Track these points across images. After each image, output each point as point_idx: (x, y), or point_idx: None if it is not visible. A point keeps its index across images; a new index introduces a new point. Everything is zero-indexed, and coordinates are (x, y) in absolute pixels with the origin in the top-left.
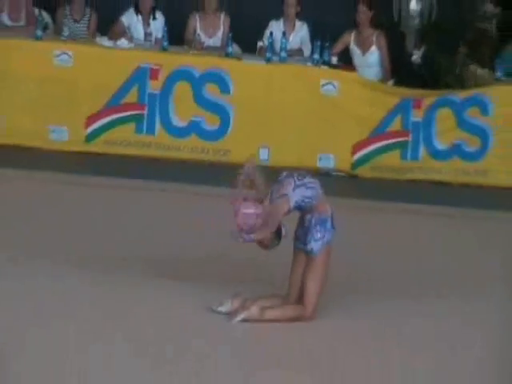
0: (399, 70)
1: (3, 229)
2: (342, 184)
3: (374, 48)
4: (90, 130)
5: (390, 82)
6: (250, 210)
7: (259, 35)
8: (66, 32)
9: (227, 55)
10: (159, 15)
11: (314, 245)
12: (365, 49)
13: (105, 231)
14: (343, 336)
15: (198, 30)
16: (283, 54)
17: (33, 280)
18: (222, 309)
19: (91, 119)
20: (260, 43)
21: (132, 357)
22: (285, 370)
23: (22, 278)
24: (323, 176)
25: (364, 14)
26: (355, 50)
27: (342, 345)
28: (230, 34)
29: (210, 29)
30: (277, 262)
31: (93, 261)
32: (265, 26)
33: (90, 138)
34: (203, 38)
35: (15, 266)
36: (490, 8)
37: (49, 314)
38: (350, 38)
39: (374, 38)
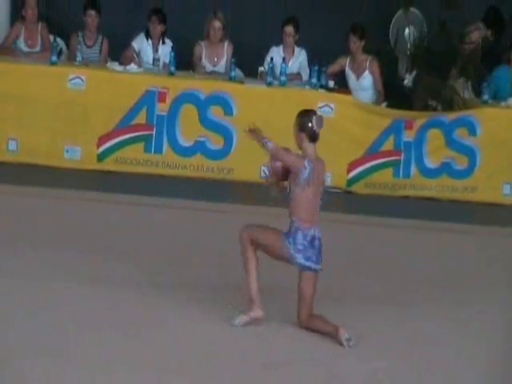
0: (392, 93)
1: (19, 243)
2: (338, 200)
3: (367, 73)
4: (101, 149)
5: (384, 105)
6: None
7: (260, 61)
8: (79, 57)
9: (230, 79)
10: (168, 41)
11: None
12: (358, 73)
13: (114, 244)
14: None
15: (203, 58)
16: (283, 78)
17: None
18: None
19: (103, 139)
20: (261, 68)
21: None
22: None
23: (32, 289)
24: None
25: (355, 43)
26: (350, 75)
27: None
28: (233, 60)
29: (215, 57)
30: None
31: (102, 274)
32: (266, 52)
33: (101, 156)
34: (208, 65)
35: (29, 278)
36: (481, 32)
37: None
38: (346, 62)
39: (367, 64)
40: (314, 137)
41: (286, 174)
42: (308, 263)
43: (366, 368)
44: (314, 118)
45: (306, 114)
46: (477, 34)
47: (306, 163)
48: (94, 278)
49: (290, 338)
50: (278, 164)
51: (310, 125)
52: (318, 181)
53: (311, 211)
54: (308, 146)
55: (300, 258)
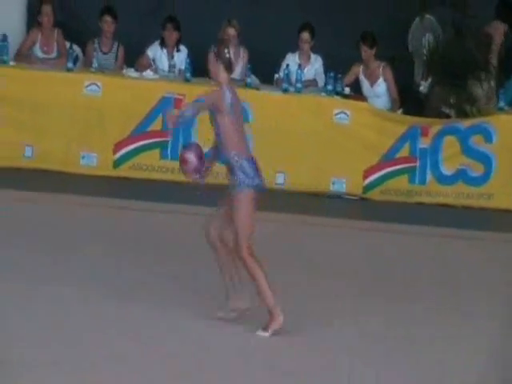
0: (408, 100)
1: (35, 248)
2: (354, 207)
3: (381, 80)
4: (117, 155)
5: (399, 111)
6: (192, 156)
7: (276, 67)
8: (95, 64)
9: (246, 86)
10: (183, 48)
11: None
12: (372, 80)
13: (128, 250)
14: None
15: None
16: (299, 85)
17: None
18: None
19: (119, 146)
20: (277, 75)
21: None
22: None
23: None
24: (336, 199)
25: (366, 52)
26: (364, 82)
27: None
28: (249, 66)
29: None
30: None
31: (111, 279)
32: (281, 59)
33: (117, 163)
34: None
35: (36, 282)
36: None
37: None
38: (359, 70)
39: (381, 70)
40: (229, 66)
41: (201, 159)
42: (261, 181)
43: (370, 373)
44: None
45: (222, 43)
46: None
47: (225, 89)
48: (101, 282)
49: (295, 344)
50: (191, 158)
51: (226, 53)
52: (239, 108)
53: (243, 140)
54: (224, 74)
55: (259, 181)
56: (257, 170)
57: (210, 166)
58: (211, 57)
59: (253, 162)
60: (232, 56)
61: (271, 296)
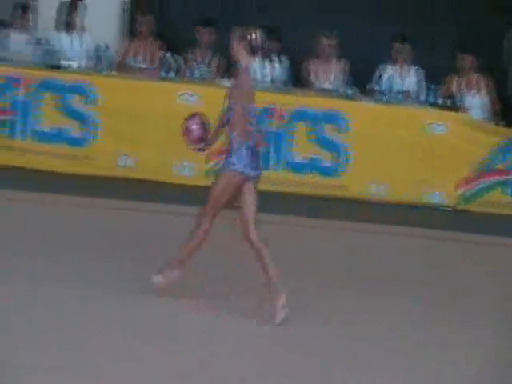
0: (510, 111)
1: (122, 257)
2: (448, 218)
3: (477, 91)
4: (211, 165)
5: (501, 123)
6: (194, 125)
7: (373, 78)
8: (194, 73)
9: (343, 96)
10: (283, 58)
11: None
12: (469, 91)
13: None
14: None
15: (315, 75)
16: (395, 96)
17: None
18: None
19: (212, 155)
20: (374, 86)
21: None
22: None
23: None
24: (429, 209)
25: (464, 60)
26: (460, 93)
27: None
28: (344, 77)
29: (326, 74)
30: None
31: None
32: (376, 70)
33: (209, 171)
34: (319, 83)
35: (129, 294)
36: None
37: None
38: (455, 81)
39: (477, 81)
40: (252, 49)
41: (204, 128)
42: (257, 172)
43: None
44: (257, 31)
45: (248, 28)
46: None
47: (249, 72)
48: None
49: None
50: (194, 126)
51: (249, 37)
52: (252, 97)
53: (248, 126)
54: (245, 57)
55: (251, 171)
56: (254, 160)
57: (216, 137)
58: (235, 40)
59: (254, 151)
60: (255, 38)
61: (188, 254)
